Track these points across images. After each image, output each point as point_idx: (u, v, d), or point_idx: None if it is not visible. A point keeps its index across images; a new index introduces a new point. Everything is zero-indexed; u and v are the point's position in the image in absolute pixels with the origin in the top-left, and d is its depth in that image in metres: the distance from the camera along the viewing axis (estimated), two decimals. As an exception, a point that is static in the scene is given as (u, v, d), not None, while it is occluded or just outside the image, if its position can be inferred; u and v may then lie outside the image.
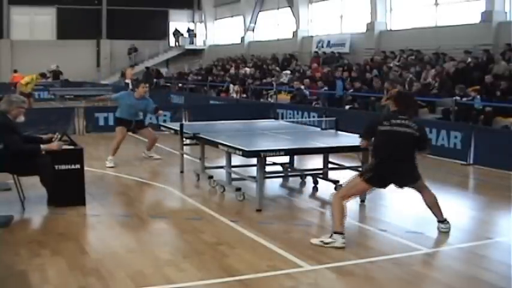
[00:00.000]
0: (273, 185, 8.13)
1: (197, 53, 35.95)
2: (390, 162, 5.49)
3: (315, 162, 8.68)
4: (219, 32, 34.86)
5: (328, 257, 5.10)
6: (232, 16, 33.00)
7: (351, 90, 16.93)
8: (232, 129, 8.69)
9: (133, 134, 10.17)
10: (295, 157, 8.83)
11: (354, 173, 6.16)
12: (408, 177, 5.64)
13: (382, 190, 6.20)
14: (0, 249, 5.28)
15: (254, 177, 6.88)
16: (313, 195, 7.82)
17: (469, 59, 15.53)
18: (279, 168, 8.41)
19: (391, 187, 5.72)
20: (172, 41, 35.74)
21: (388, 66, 18.01)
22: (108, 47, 35.45)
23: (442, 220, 5.86)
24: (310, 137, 8.04)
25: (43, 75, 18.32)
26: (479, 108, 12.80)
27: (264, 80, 22.87)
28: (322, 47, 23.79)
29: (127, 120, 9.79)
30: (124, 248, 5.34)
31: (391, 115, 5.67)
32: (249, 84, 22.98)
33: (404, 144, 5.50)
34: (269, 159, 7.34)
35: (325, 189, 7.68)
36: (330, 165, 7.98)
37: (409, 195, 6.23)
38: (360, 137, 5.91)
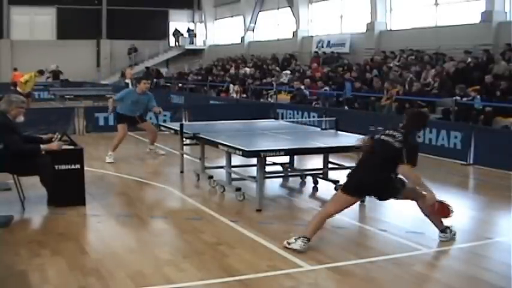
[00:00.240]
0: (273, 185, 8.13)
1: (197, 53, 35.95)
2: (361, 169, 5.41)
3: (315, 162, 8.69)
4: (219, 32, 34.86)
5: (328, 257, 5.11)
6: (232, 16, 32.99)
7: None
8: (232, 129, 8.69)
9: (136, 125, 10.28)
10: (295, 157, 8.83)
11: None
12: (381, 189, 5.36)
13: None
14: (0, 249, 5.28)
15: (254, 177, 6.89)
16: (313, 195, 7.82)
17: (469, 59, 15.53)
18: (279, 168, 8.41)
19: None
20: (172, 41, 35.72)
21: (388, 66, 18.01)
22: (108, 47, 35.43)
23: (442, 229, 5.62)
24: (310, 137, 8.04)
25: (41, 72, 18.30)
26: (479, 108, 12.80)
27: (264, 80, 22.87)
28: (322, 47, 23.79)
29: (129, 116, 9.98)
30: (124, 248, 5.34)
31: (395, 126, 5.48)
32: (249, 84, 22.98)
33: (382, 153, 5.29)
34: (269, 159, 7.35)
35: (325, 189, 7.69)
36: (330, 165, 7.98)
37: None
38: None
